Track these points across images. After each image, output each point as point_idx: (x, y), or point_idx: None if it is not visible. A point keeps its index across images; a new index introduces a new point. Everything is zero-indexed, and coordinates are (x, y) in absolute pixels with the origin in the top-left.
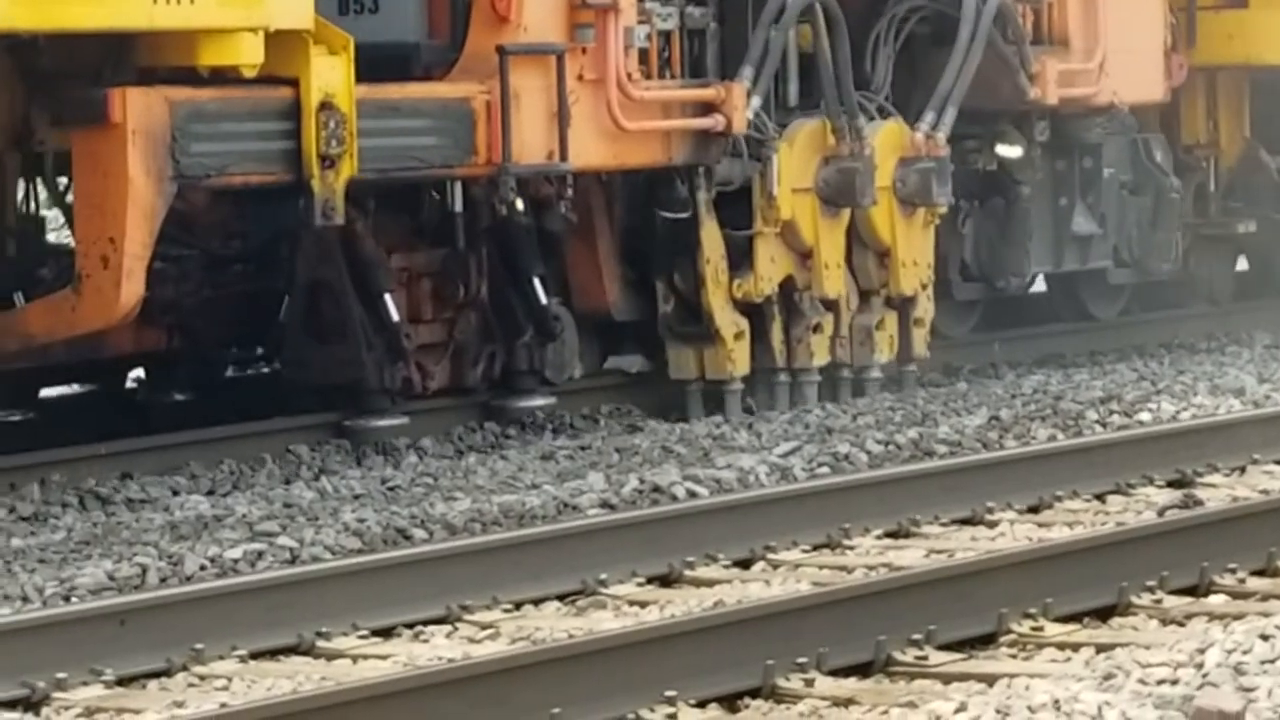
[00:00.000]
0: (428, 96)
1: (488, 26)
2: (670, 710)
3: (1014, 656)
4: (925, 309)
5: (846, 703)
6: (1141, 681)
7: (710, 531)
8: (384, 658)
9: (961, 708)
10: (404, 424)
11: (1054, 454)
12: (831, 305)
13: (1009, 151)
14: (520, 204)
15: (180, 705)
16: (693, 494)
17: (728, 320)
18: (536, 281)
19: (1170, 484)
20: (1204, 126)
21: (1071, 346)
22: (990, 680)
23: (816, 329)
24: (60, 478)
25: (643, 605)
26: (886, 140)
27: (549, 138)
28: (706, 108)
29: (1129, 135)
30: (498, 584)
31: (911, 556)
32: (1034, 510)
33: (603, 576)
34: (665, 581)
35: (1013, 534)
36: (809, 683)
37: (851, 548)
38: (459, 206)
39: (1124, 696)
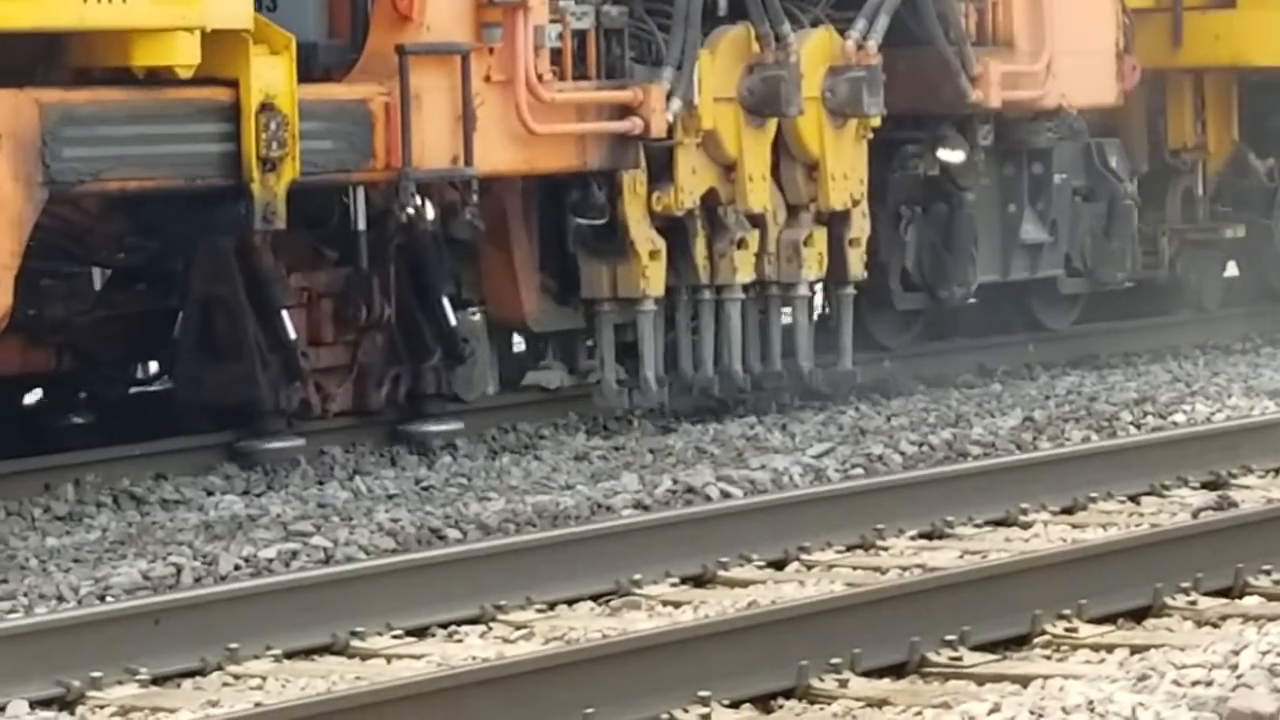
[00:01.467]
0: (321, 98)
1: (389, 26)
2: (704, 710)
3: (1048, 658)
4: (860, 227)
5: (880, 703)
6: (1176, 683)
7: (744, 532)
8: (418, 658)
9: (995, 709)
10: (299, 446)
11: (1088, 455)
12: (757, 220)
13: (951, 156)
14: (430, 212)
15: (215, 705)
16: (726, 495)
17: (643, 235)
18: (445, 301)
19: (1205, 485)
20: (1191, 129)
21: (1106, 348)
22: (1024, 681)
23: (741, 244)
24: (95, 478)
25: (676, 605)
26: (816, 49)
27: (453, 141)
28: (624, 110)
29: (1082, 140)
30: (532, 584)
31: (945, 557)
32: (1068, 511)
33: (636, 577)
34: (699, 582)
35: (1047, 535)
36: (843, 683)
37: (885, 549)
38: (362, 224)
39: (1158, 698)
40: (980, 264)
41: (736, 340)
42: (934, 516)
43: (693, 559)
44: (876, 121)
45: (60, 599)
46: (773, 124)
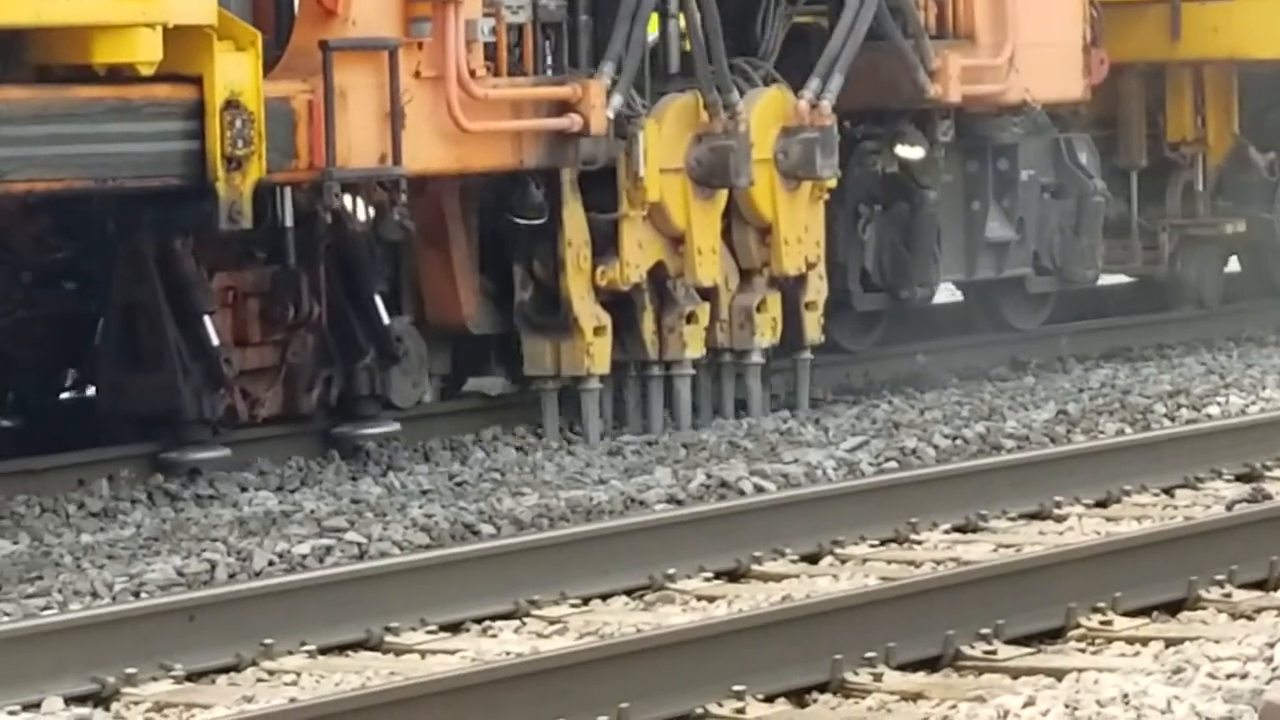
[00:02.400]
0: None
1: (313, 21)
2: (738, 705)
3: (1082, 651)
4: (817, 290)
5: (914, 697)
6: (1211, 676)
7: (778, 526)
8: (452, 653)
9: (1030, 702)
10: (225, 456)
11: (1122, 448)
12: (708, 292)
13: (909, 153)
14: (362, 213)
15: (249, 700)
16: (760, 489)
17: (587, 311)
18: (378, 299)
19: (1239, 478)
20: (1191, 123)
21: (1139, 340)
22: (1059, 674)
23: (690, 319)
24: (129, 474)
25: (710, 600)
26: (767, 109)
27: (381, 140)
28: (563, 106)
29: (1050, 135)
30: (565, 579)
31: (979, 551)
32: (1102, 504)
33: (670, 571)
34: (733, 576)
35: (1081, 528)
36: (877, 677)
37: (919, 542)
38: (289, 222)
39: (1193, 691)
40: (944, 263)
41: (686, 416)
42: (968, 510)
43: (726, 553)
44: (833, 183)
45: (95, 595)
46: (723, 194)
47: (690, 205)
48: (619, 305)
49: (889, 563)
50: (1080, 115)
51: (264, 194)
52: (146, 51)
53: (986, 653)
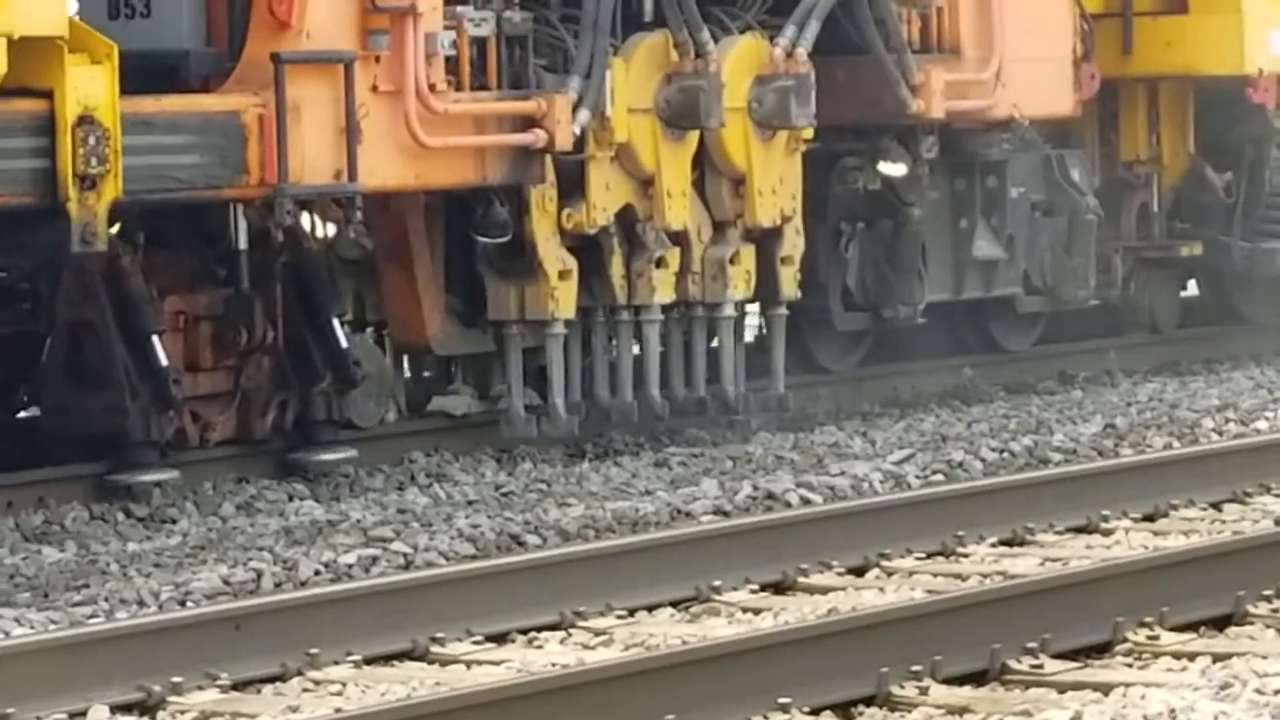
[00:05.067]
0: (188, 110)
1: (266, 33)
2: (784, 717)
3: (1129, 665)
4: (793, 244)
5: (961, 711)
6: (1258, 691)
7: (824, 539)
8: (498, 663)
9: (1076, 717)
10: (174, 478)
11: (1170, 462)
12: (679, 238)
13: (892, 169)
14: (320, 230)
15: (295, 710)
16: (806, 501)
17: (552, 254)
18: (335, 323)
19: None
20: (1145, 141)
21: (1187, 354)
22: (1105, 689)
23: (660, 263)
24: (176, 481)
25: (756, 612)
26: (741, 56)
27: (336, 155)
28: (527, 122)
29: (1040, 151)
30: (612, 590)
31: (1026, 565)
32: (1150, 519)
33: (716, 583)
34: (779, 588)
35: (1128, 542)
36: (923, 690)
37: (966, 555)
38: (244, 243)
39: (1240, 706)
40: (930, 282)
41: (655, 364)
42: (1015, 523)
43: (773, 565)
44: (809, 133)
45: (141, 604)
46: (694, 137)
47: (660, 147)
48: (586, 250)
49: (935, 576)
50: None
51: (220, 214)
52: None
53: (1033, 667)
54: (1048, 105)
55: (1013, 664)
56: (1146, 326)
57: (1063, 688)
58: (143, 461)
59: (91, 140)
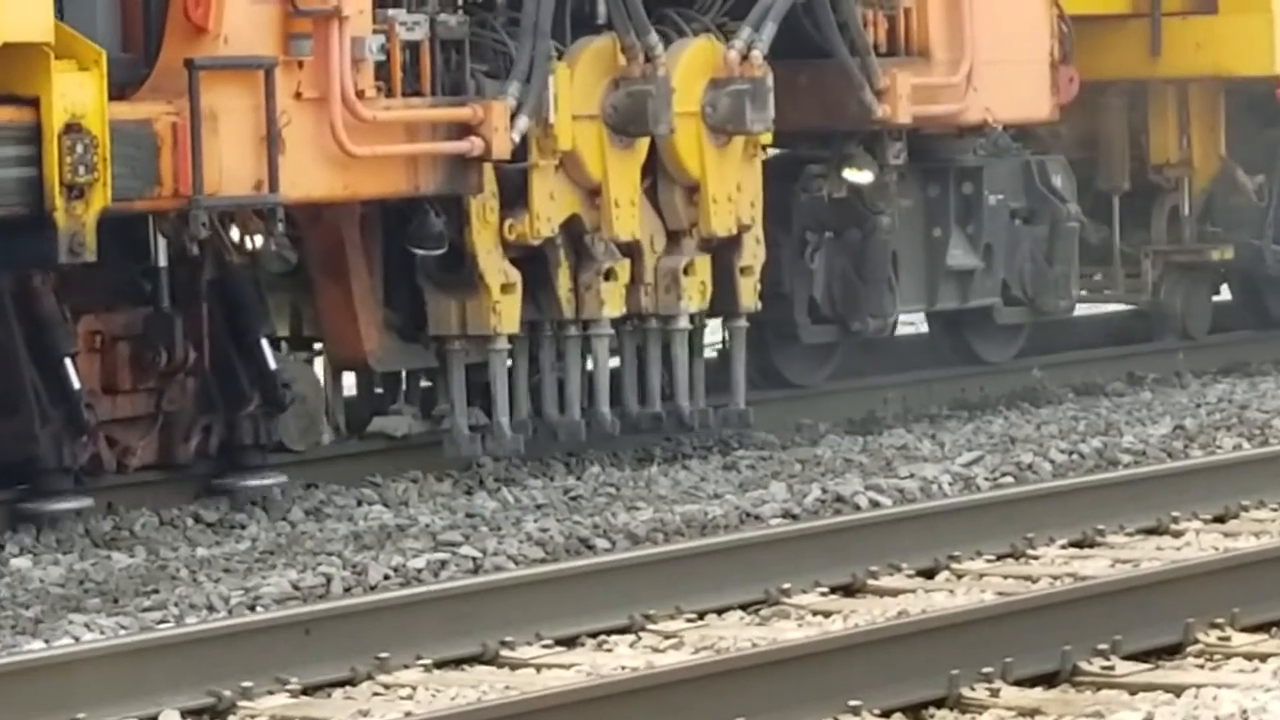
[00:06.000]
0: None
1: (182, 38)
2: None
3: (1201, 667)
4: (753, 253)
5: (1032, 713)
6: None
7: (894, 541)
8: (567, 667)
9: (1148, 718)
10: (88, 506)
11: (1240, 463)
12: (630, 248)
13: (858, 177)
14: (249, 244)
15: (365, 714)
16: (875, 503)
17: (494, 267)
18: (264, 343)
19: None
20: (1175, 144)
21: (1257, 355)
22: (1177, 690)
23: (609, 275)
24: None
25: (826, 615)
26: (695, 59)
27: (257, 165)
28: (463, 129)
29: (1020, 157)
30: (681, 594)
31: (1096, 566)
32: (1220, 520)
33: (786, 586)
34: (848, 591)
35: (1199, 544)
36: (994, 693)
37: (1036, 557)
38: (163, 260)
39: None
40: (902, 293)
41: (604, 381)
42: (1085, 525)
43: (842, 568)
44: (768, 138)
45: (211, 609)
46: (644, 144)
47: (607, 154)
48: (532, 261)
49: (1005, 578)
50: (1060, 136)
51: (142, 227)
52: None
53: (1104, 668)
54: (1023, 109)
55: (1084, 665)
56: (1177, 332)
57: (1134, 689)
58: (55, 489)
59: (79, 148)
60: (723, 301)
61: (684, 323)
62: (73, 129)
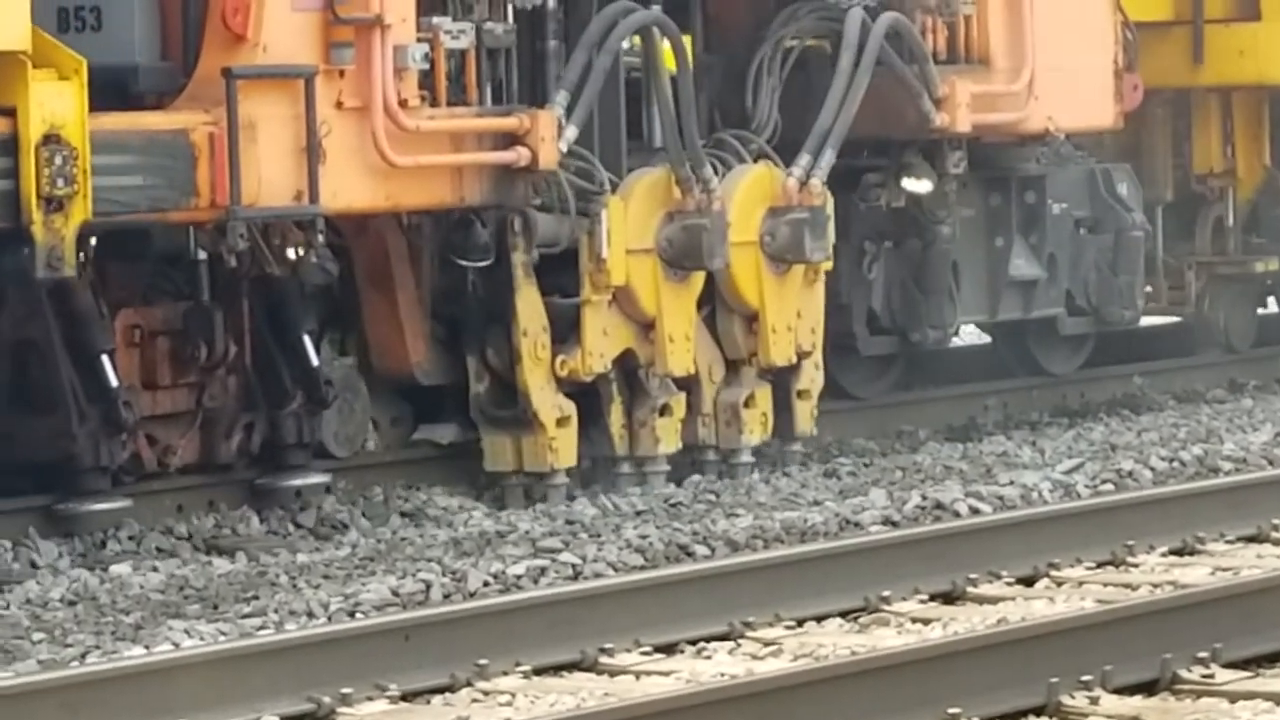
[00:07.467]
0: (129, 128)
1: (221, 46)
2: None
3: None
4: (811, 379)
5: None
6: None
7: (993, 548)
8: (666, 674)
9: None
10: (126, 507)
11: None
12: (686, 380)
13: (916, 186)
14: (292, 254)
15: None
16: (975, 511)
17: (548, 403)
18: (306, 339)
19: None
20: (1219, 153)
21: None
22: (1277, 699)
23: (664, 411)
24: (346, 484)
25: (925, 622)
26: (753, 187)
27: (297, 176)
28: (510, 139)
29: (1085, 166)
30: (780, 600)
31: (1197, 574)
32: None
33: (885, 593)
34: (948, 598)
35: None
36: (1093, 701)
37: (1136, 565)
38: (202, 253)
39: None
40: (962, 303)
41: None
42: (1185, 533)
43: (942, 575)
44: (828, 265)
45: (310, 615)
46: (699, 276)
47: (661, 289)
48: (585, 395)
49: (1105, 585)
50: (1104, 145)
51: (179, 231)
52: None
53: (1204, 676)
54: (1086, 118)
55: (1184, 674)
56: (1220, 345)
57: (1234, 697)
58: (93, 489)
59: (58, 160)
60: (778, 425)
61: (746, 457)
62: (51, 140)
